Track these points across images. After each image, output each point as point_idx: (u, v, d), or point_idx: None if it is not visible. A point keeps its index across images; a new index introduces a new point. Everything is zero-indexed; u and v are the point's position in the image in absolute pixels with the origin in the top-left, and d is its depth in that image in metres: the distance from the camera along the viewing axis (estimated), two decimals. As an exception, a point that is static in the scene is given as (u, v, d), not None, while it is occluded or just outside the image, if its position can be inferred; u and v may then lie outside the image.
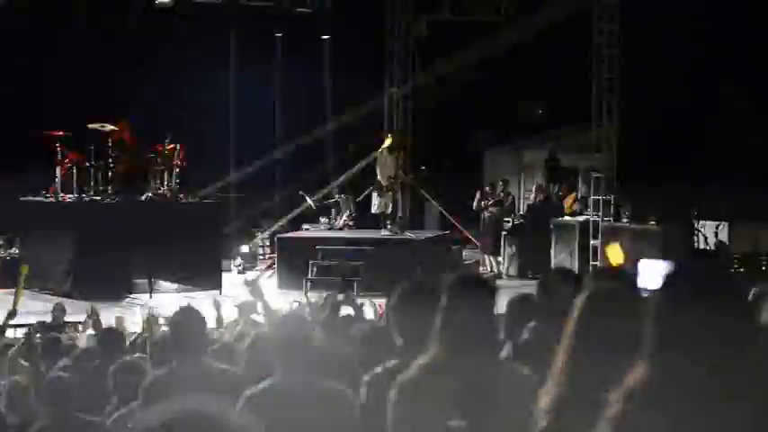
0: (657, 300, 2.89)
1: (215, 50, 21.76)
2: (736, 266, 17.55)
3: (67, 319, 12.87)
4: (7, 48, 20.06)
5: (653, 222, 18.75)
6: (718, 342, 2.78)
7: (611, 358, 3.22)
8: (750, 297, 3.83)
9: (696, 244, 18.87)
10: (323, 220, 21.35)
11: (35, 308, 13.83)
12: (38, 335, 9.35)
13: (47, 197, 18.70)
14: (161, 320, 10.00)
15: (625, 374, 2.91)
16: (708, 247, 18.69)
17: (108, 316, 11.87)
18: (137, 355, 7.86)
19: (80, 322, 12.22)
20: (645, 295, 3.57)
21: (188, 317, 5.60)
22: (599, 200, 19.53)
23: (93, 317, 9.46)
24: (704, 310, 2.81)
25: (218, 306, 10.13)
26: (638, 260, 15.57)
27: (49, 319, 12.58)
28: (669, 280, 2.91)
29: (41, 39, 20.45)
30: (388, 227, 19.63)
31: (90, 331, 10.24)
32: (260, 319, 9.28)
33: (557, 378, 3.52)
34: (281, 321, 5.40)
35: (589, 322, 3.48)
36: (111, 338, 7.71)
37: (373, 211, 19.88)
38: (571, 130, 22.02)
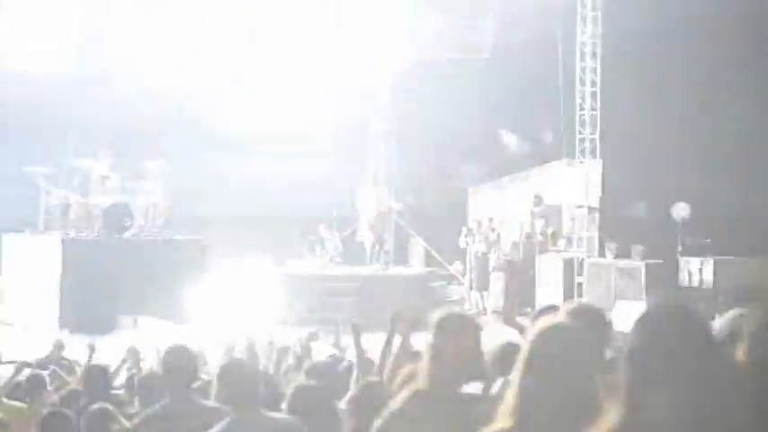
0: (630, 343, 2.92)
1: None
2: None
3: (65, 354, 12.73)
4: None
5: (637, 259, 18.80)
6: (691, 383, 2.79)
7: (554, 389, 3.35)
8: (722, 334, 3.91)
9: (688, 281, 18.87)
10: (309, 255, 21.34)
11: (22, 344, 13.74)
12: (24, 372, 9.28)
13: (33, 233, 18.69)
14: (142, 355, 9.98)
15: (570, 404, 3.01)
16: (692, 284, 18.73)
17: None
18: (116, 392, 7.79)
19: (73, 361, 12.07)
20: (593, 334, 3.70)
21: (179, 355, 5.58)
22: (583, 236, 19.59)
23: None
24: (675, 353, 2.83)
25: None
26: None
27: (36, 355, 12.47)
28: (640, 323, 2.94)
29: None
30: (374, 263, 19.65)
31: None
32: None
33: (507, 403, 3.60)
34: (226, 366, 5.47)
35: (536, 355, 3.56)
36: (96, 377, 7.62)
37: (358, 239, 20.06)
38: (555, 166, 22.09)
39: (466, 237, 20.68)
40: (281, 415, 5.33)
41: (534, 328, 3.65)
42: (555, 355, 3.52)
